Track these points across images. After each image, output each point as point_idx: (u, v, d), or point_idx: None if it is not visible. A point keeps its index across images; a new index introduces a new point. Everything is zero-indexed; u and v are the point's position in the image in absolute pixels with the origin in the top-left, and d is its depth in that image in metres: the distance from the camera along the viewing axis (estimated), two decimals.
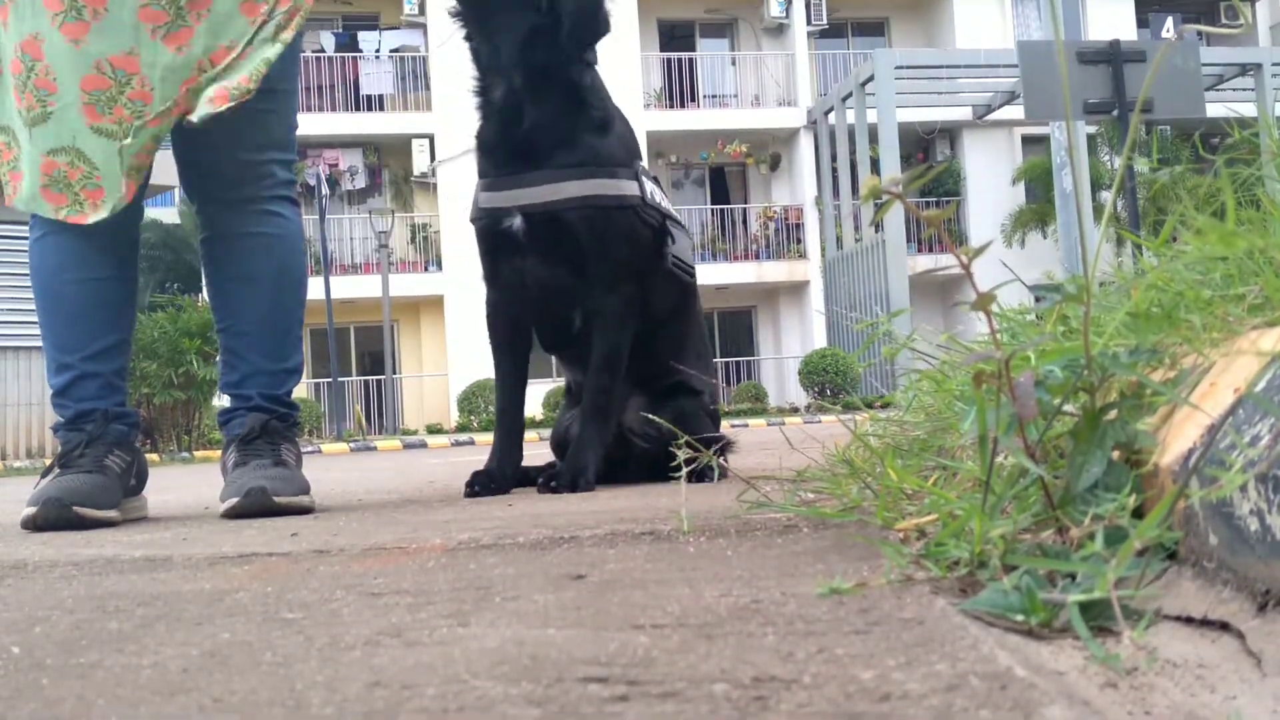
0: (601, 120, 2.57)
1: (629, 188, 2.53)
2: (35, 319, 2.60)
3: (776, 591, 1.05)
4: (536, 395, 20.83)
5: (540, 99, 2.48)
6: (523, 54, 2.43)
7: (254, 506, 2.23)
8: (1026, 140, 23.20)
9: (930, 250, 22.16)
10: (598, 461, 2.57)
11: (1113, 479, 0.98)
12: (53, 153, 2.25)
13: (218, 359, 2.72)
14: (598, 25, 2.52)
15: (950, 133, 23.62)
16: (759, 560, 1.26)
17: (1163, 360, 1.09)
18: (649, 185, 2.62)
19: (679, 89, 23.80)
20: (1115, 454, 1.01)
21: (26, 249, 2.55)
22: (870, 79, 15.22)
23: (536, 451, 3.30)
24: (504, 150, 2.52)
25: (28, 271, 2.55)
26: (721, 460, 1.90)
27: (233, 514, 2.26)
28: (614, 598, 1.08)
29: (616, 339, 2.55)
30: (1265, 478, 0.80)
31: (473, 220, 2.66)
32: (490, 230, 2.56)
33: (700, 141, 23.58)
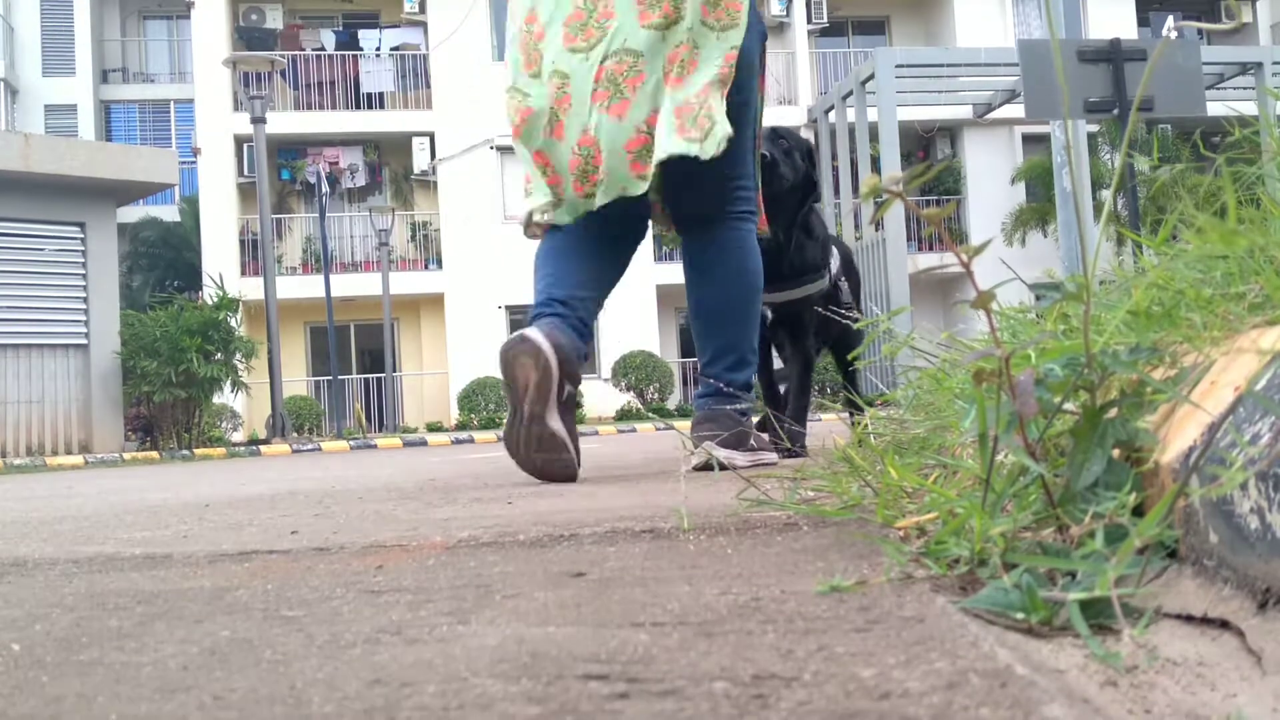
0: (816, 239, 3.80)
1: (823, 283, 3.82)
2: (36, 317, 2.69)
3: (776, 589, 1.05)
4: None
5: (791, 241, 3.70)
6: (789, 220, 3.66)
7: (701, 464, 2.81)
8: (1027, 139, 23.19)
9: (931, 249, 22.17)
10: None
11: (1113, 477, 0.98)
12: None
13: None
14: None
15: (951, 131, 23.62)
16: (759, 558, 1.26)
17: (1163, 358, 1.09)
18: (835, 261, 3.96)
19: None
20: (1115, 452, 1.01)
21: (31, 247, 2.64)
22: (870, 77, 15.21)
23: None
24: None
25: (29, 270, 2.63)
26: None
27: (697, 466, 2.83)
28: (614, 595, 1.08)
29: (806, 371, 3.89)
30: (1265, 476, 0.80)
31: None
32: None
33: None
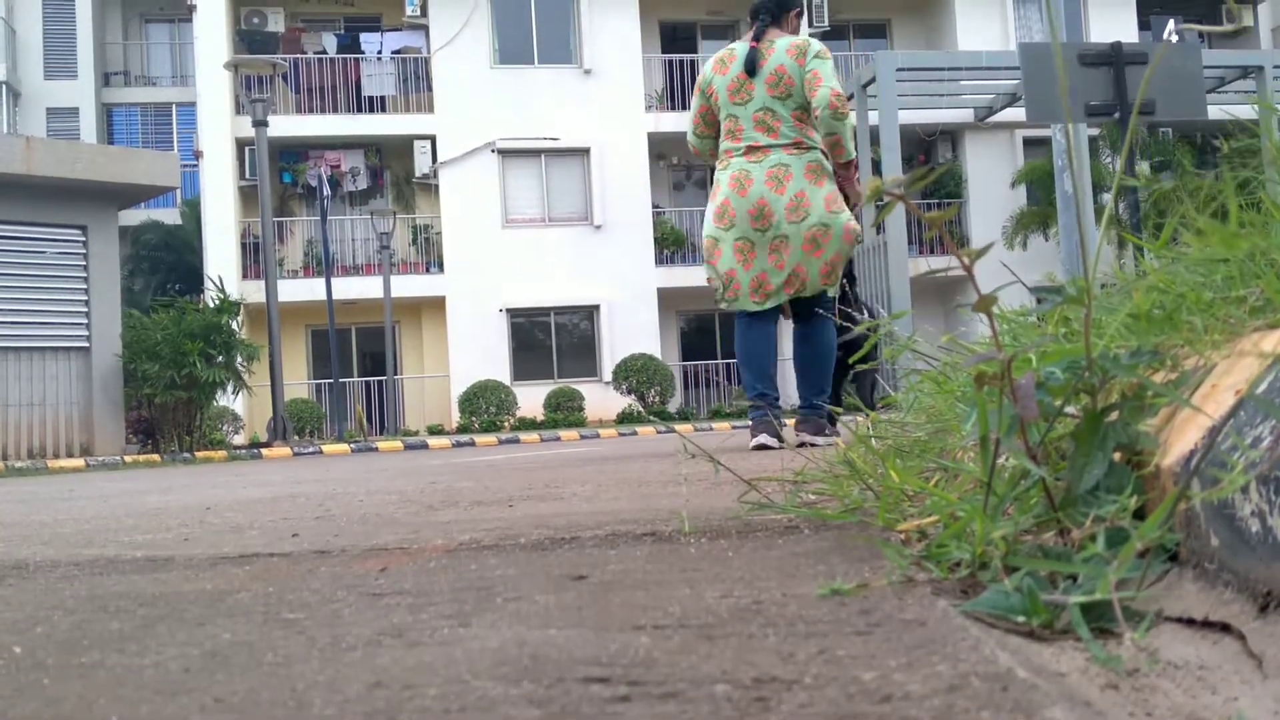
0: (859, 305, 5.90)
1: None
2: (37, 320, 2.74)
3: (778, 592, 1.05)
4: (537, 396, 20.83)
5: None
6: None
7: (799, 443, 4.36)
8: (1028, 142, 23.17)
9: (932, 252, 22.16)
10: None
11: (1114, 480, 0.98)
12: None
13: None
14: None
15: (952, 134, 23.61)
16: (760, 561, 1.26)
17: (1164, 362, 1.09)
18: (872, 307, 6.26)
19: (681, 90, 23.79)
20: (1117, 455, 1.01)
21: (32, 250, 2.68)
22: (872, 81, 15.24)
23: (535, 452, 3.29)
24: None
25: (31, 273, 2.70)
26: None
27: (799, 444, 4.28)
28: (615, 598, 1.08)
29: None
30: (1266, 479, 0.80)
31: None
32: None
33: None
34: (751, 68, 4.84)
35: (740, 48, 4.93)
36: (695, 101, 5.04)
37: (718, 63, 4.96)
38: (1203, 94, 8.56)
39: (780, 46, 4.88)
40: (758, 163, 4.78)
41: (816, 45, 4.91)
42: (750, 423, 4.93)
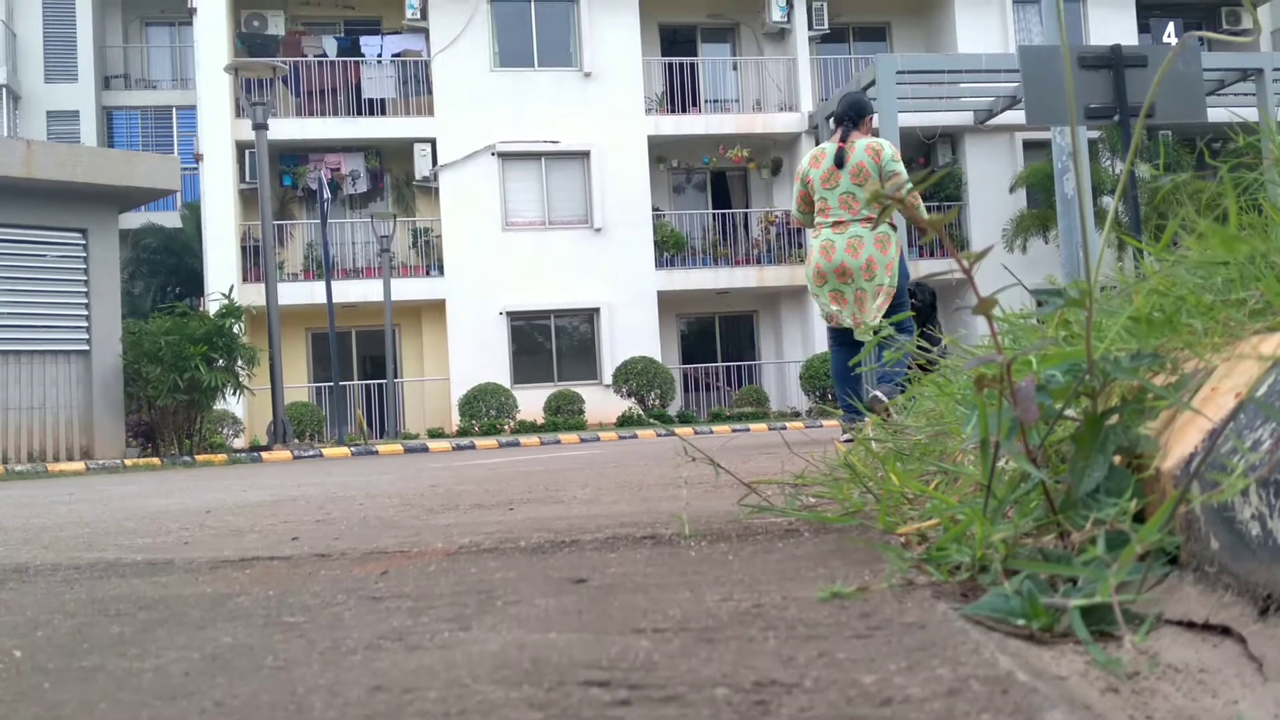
0: (937, 324, 7.45)
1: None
2: (38, 323, 2.75)
3: (778, 596, 1.05)
4: (538, 399, 20.83)
5: (927, 323, 7.15)
6: (925, 318, 7.27)
7: (873, 396, 5.61)
8: (1028, 145, 23.17)
9: (932, 255, 22.17)
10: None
11: (1114, 483, 0.98)
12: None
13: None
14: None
15: (952, 137, 23.61)
16: (760, 564, 1.26)
17: (1164, 365, 1.09)
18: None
19: (681, 93, 23.80)
20: (1117, 458, 1.01)
21: (33, 253, 2.70)
22: (872, 83, 15.25)
23: (535, 456, 3.29)
24: None
25: (31, 276, 2.69)
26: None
27: (870, 399, 5.58)
28: (615, 602, 1.08)
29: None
30: (1266, 482, 0.80)
31: None
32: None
33: (702, 146, 23.58)
34: (840, 162, 6.50)
35: (830, 147, 6.57)
36: (796, 187, 6.76)
37: (812, 159, 6.64)
38: (1202, 96, 8.56)
39: (860, 146, 6.41)
40: (840, 234, 6.47)
41: (890, 149, 6.40)
42: (840, 423, 6.47)
